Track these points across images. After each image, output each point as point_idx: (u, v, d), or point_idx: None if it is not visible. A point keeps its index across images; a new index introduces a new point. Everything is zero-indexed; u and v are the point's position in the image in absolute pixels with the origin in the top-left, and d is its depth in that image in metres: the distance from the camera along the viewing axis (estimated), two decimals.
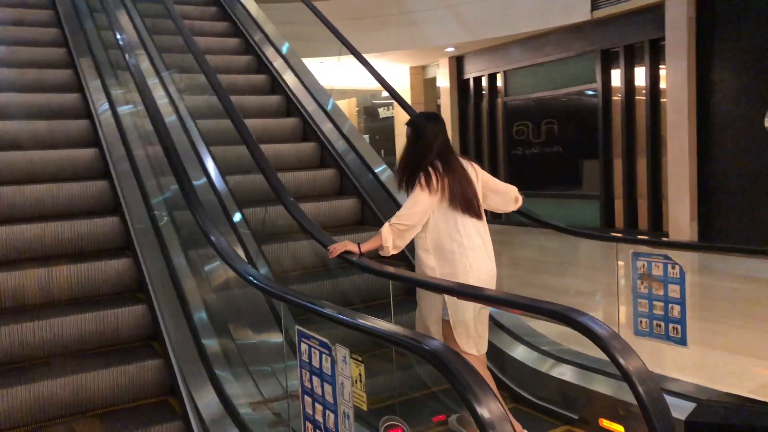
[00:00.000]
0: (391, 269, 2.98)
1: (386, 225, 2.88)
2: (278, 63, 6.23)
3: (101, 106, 4.74)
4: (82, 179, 4.33)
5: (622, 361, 1.83)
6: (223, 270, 3.43)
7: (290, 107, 5.83)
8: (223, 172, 4.40)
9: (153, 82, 4.92)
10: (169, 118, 4.60)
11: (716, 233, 8.28)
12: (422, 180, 2.94)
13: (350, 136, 5.33)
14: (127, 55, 4.36)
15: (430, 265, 2.96)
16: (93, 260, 3.71)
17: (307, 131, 5.60)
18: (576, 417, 3.22)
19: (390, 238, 2.85)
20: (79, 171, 4.48)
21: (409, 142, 3.13)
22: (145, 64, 5.06)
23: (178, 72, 5.42)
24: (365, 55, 5.74)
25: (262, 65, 6.35)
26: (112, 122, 4.59)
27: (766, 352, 4.21)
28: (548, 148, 11.19)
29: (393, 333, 1.88)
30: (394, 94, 5.37)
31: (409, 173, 3.04)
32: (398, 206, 4.49)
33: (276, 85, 6.09)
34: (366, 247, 2.91)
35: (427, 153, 3.03)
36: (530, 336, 3.75)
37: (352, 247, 2.92)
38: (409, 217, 2.88)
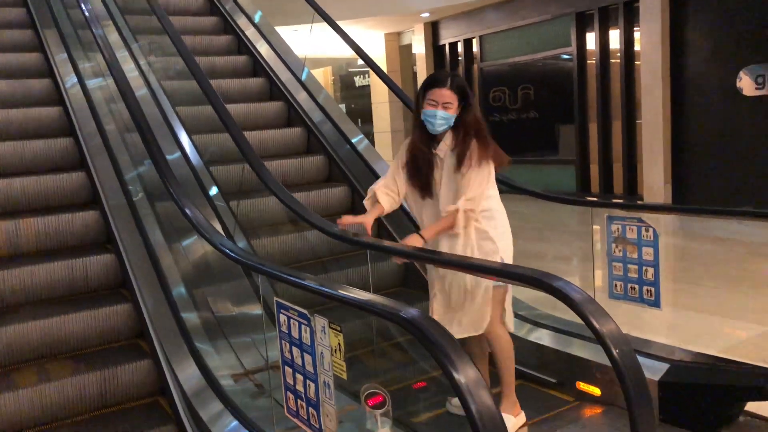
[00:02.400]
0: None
1: (460, 211, 2.72)
2: (251, 32, 6.12)
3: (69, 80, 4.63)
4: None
5: (596, 323, 1.86)
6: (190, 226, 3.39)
7: (273, 91, 5.75)
8: (201, 150, 4.34)
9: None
10: (140, 91, 4.51)
11: (690, 195, 8.40)
12: (491, 153, 2.88)
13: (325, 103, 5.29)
14: (93, 28, 4.24)
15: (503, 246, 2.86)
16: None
17: (274, 90, 5.56)
18: (554, 380, 3.28)
19: (462, 224, 2.74)
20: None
21: (463, 110, 2.84)
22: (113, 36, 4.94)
23: (149, 40, 5.29)
24: (339, 22, 5.64)
25: (241, 43, 6.21)
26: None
27: (738, 313, 4.31)
28: (525, 113, 11.20)
29: (371, 302, 1.89)
30: (369, 62, 5.31)
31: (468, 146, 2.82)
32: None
33: (258, 67, 5.99)
34: (430, 233, 2.78)
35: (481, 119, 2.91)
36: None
37: (418, 240, 2.75)
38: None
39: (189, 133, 4.39)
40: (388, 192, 2.92)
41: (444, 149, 2.86)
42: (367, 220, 2.86)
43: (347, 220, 2.84)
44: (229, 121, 3.65)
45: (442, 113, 2.76)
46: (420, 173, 2.85)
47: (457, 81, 2.82)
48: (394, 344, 3.56)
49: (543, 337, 3.46)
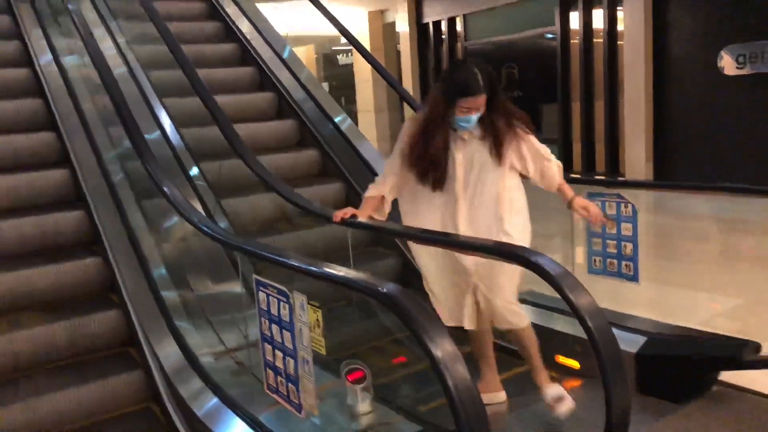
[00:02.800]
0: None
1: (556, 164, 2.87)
2: (231, 10, 6.03)
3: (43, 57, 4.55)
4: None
5: (572, 297, 1.89)
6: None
7: (246, 56, 5.70)
8: (179, 125, 4.30)
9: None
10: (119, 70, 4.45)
11: (672, 173, 8.46)
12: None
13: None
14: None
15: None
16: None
17: (246, 57, 5.54)
18: None
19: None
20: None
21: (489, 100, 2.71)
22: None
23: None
24: (321, 0, 5.59)
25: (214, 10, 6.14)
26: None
27: (715, 286, 4.37)
28: (509, 93, 11.16)
29: (349, 278, 1.90)
30: (352, 40, 5.27)
31: None
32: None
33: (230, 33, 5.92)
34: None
35: None
36: None
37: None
38: None
39: (158, 92, 4.35)
40: (393, 190, 2.83)
41: (467, 137, 2.73)
42: (360, 214, 2.79)
43: (340, 214, 2.80)
44: (199, 85, 3.63)
45: (476, 117, 2.66)
46: (438, 168, 2.68)
47: (489, 79, 2.66)
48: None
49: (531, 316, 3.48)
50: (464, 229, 2.69)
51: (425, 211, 2.74)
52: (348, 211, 2.82)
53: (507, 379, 3.11)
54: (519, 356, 3.30)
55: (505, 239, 2.60)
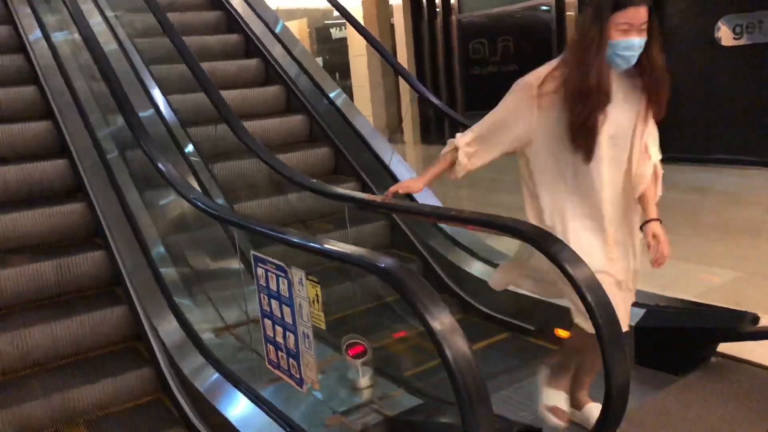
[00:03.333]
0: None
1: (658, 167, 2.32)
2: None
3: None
4: None
5: (570, 270, 1.88)
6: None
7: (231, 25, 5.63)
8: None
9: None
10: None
11: (668, 144, 8.39)
12: None
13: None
14: None
15: None
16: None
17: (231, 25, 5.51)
18: (533, 328, 3.34)
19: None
20: None
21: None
22: None
23: None
24: None
25: None
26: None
27: (713, 259, 4.39)
28: (504, 66, 11.08)
29: (348, 253, 1.89)
30: (345, 14, 5.20)
31: None
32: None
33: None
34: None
35: None
36: (487, 252, 3.82)
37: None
38: None
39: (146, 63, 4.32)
40: (476, 154, 2.28)
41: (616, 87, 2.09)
42: (415, 185, 2.34)
43: (392, 190, 2.33)
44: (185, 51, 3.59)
45: (640, 41, 2.04)
46: (592, 131, 2.04)
47: None
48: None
49: (522, 286, 3.49)
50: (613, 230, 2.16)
51: (579, 206, 2.16)
52: (401, 186, 2.35)
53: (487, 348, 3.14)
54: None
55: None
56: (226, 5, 5.64)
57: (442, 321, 1.52)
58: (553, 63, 2.20)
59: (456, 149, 2.28)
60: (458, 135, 2.31)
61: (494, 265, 3.70)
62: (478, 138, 2.29)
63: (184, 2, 5.70)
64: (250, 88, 4.99)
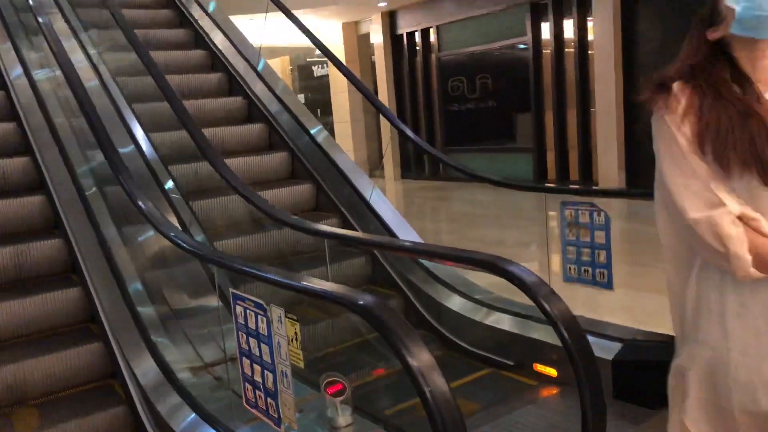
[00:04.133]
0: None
1: None
2: (205, 23, 6.01)
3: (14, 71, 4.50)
4: None
5: (546, 306, 1.91)
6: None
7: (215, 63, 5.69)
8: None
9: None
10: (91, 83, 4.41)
11: (644, 181, 8.61)
12: None
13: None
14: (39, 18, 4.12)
15: None
16: None
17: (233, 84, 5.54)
18: (512, 363, 3.34)
19: None
20: None
21: None
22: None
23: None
24: (295, 12, 5.60)
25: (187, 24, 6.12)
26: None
27: None
28: (483, 103, 11.30)
29: (326, 290, 1.90)
30: (326, 53, 5.28)
31: None
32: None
33: (200, 42, 5.91)
34: None
35: None
36: (465, 286, 3.84)
37: None
38: None
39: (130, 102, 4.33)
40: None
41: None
42: None
43: None
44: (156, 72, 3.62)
45: None
46: (756, 141, 1.40)
47: None
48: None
49: (501, 321, 3.52)
50: None
51: None
52: None
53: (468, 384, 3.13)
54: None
55: None
56: (210, 45, 5.71)
57: (420, 358, 1.53)
58: None
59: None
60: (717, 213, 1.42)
61: (474, 300, 3.73)
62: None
63: (167, 40, 5.76)
64: (234, 126, 5.04)
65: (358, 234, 2.91)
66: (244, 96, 5.34)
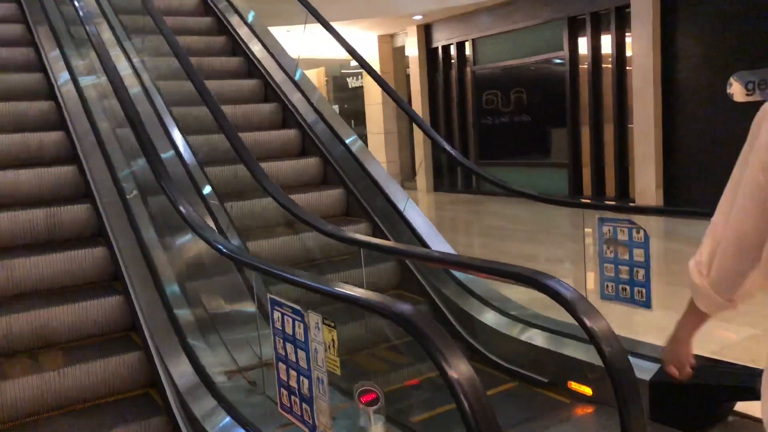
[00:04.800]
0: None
1: None
2: (244, 31, 6.11)
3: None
4: None
5: (587, 322, 1.88)
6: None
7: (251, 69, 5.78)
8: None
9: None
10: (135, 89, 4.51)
11: (681, 199, 8.47)
12: None
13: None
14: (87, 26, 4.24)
15: None
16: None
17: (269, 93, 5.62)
18: (545, 380, 3.30)
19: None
20: None
21: None
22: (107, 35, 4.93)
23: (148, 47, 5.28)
24: (333, 24, 5.65)
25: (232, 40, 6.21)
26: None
27: (728, 315, 4.34)
28: (517, 116, 11.25)
29: (364, 298, 1.90)
30: (363, 64, 5.32)
31: None
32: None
33: (239, 52, 6.00)
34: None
35: None
36: (499, 302, 3.81)
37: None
38: None
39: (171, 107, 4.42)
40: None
41: None
42: (681, 338, 1.66)
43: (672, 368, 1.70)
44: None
45: None
46: None
47: None
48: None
49: (535, 337, 3.48)
50: None
51: None
52: (676, 356, 1.69)
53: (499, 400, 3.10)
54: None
55: None
56: (256, 64, 5.79)
57: (459, 369, 1.53)
58: None
59: None
60: None
61: (507, 314, 3.69)
62: None
63: (205, 49, 5.87)
64: (269, 131, 5.11)
65: (398, 245, 2.92)
66: (279, 101, 5.43)
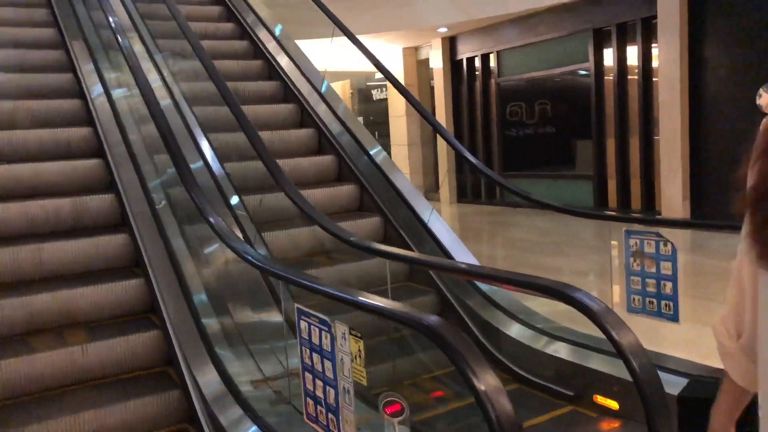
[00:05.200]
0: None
1: None
2: (272, 45, 6.19)
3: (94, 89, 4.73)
4: None
5: (615, 335, 1.87)
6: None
7: (287, 92, 5.83)
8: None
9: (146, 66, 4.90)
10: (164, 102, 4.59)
11: (708, 212, 8.34)
12: None
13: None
14: (119, 37, 4.33)
15: None
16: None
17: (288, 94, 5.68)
18: (571, 394, 3.28)
19: None
20: None
21: None
22: (138, 47, 5.03)
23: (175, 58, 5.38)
24: (358, 37, 5.71)
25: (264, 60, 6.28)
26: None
27: None
28: (541, 128, 11.21)
29: (392, 310, 1.91)
30: (388, 75, 5.36)
31: None
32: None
33: (272, 71, 6.07)
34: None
35: None
36: (524, 314, 3.80)
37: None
38: None
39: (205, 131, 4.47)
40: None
41: None
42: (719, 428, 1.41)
43: None
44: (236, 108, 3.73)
45: None
46: None
47: None
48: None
49: (560, 350, 3.46)
50: None
51: None
52: None
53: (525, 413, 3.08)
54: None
55: None
56: (283, 78, 5.85)
57: (487, 380, 1.53)
58: None
59: None
60: None
61: (532, 327, 3.68)
62: None
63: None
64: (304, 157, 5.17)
65: (427, 257, 2.93)
66: (299, 104, 5.50)
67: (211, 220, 2.83)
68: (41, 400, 2.93)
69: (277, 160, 3.69)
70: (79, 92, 4.81)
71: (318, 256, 4.24)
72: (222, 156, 4.33)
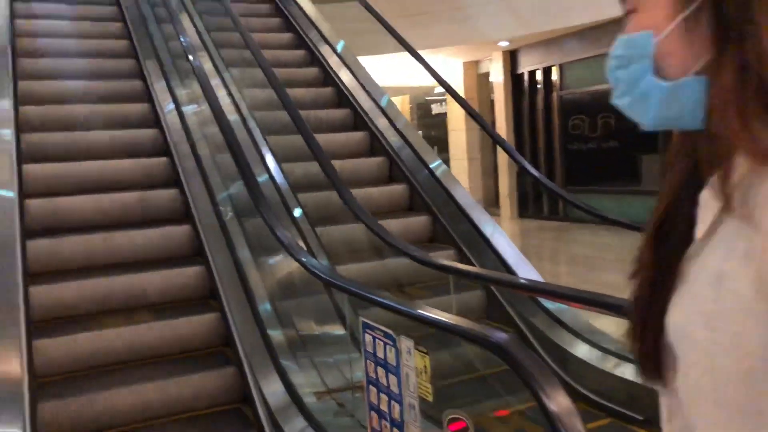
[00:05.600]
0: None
1: None
2: (333, 60, 6.28)
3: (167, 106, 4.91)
4: None
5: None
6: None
7: (342, 100, 5.91)
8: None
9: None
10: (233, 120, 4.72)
11: None
12: None
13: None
14: (191, 56, 4.49)
15: None
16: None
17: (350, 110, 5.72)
18: (641, 418, 3.16)
19: None
20: None
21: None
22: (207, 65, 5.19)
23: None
24: (419, 52, 5.74)
25: (323, 70, 6.37)
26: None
27: None
28: (605, 142, 10.95)
29: (459, 326, 1.90)
30: (449, 89, 5.37)
31: None
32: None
33: (329, 79, 6.16)
34: None
35: None
36: (591, 334, 3.70)
37: None
38: None
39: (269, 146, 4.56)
40: None
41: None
42: None
43: None
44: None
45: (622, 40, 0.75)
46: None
47: None
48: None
49: (629, 372, 3.34)
50: None
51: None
52: None
53: None
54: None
55: None
56: (351, 101, 5.89)
57: (558, 401, 1.50)
58: None
59: None
60: None
61: (599, 347, 3.57)
62: None
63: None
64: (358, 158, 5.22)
65: (483, 270, 2.89)
66: (365, 127, 5.53)
67: (279, 234, 2.88)
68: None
69: (351, 190, 3.74)
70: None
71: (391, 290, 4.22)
72: (294, 185, 4.41)
